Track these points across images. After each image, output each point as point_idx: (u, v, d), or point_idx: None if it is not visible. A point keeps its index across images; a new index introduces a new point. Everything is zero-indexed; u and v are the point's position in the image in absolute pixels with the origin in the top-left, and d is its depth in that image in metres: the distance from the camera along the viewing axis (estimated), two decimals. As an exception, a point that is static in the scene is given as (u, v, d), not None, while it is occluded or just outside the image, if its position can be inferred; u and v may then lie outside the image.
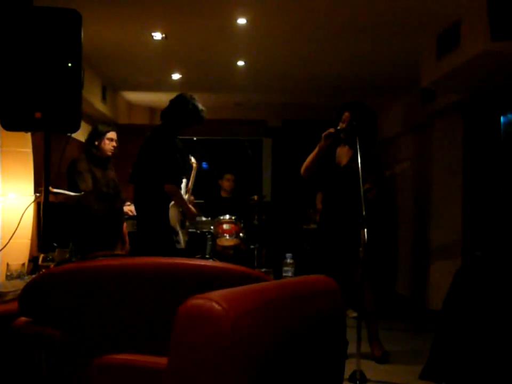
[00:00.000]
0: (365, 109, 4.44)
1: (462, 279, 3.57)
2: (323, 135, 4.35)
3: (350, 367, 3.55)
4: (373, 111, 4.55)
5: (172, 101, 4.52)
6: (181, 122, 4.45)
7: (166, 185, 4.28)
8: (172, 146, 4.36)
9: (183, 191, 4.58)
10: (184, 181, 4.63)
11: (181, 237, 4.45)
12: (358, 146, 3.96)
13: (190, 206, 4.56)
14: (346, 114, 4.38)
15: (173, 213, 4.40)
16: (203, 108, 4.50)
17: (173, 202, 4.38)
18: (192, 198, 4.91)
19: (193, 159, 4.91)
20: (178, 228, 4.42)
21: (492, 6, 3.91)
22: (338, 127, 4.36)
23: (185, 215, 4.53)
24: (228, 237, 6.36)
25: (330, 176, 4.49)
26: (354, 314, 5.12)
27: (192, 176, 4.86)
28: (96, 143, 4.89)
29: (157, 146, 4.38)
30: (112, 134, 4.95)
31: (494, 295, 3.36)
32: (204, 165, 9.08)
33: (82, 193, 4.45)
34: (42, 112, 3.05)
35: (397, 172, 4.87)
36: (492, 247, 4.80)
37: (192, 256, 5.71)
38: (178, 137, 4.49)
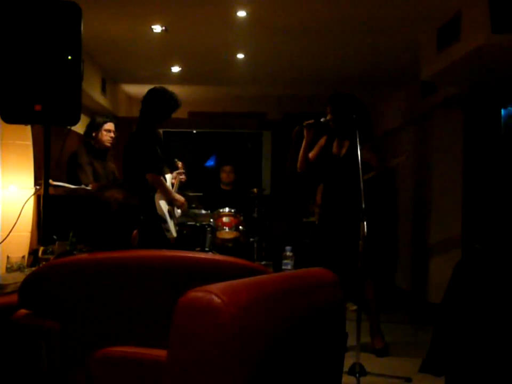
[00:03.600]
0: (347, 100, 4.41)
1: (461, 272, 3.57)
2: (303, 126, 4.39)
3: (349, 360, 3.56)
4: (361, 102, 4.46)
5: (147, 97, 4.50)
6: (162, 115, 4.46)
7: (147, 174, 4.30)
8: (150, 137, 4.38)
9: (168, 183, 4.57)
10: (168, 176, 4.60)
11: (171, 226, 4.43)
12: (357, 140, 3.95)
13: (176, 194, 4.55)
14: (328, 107, 4.41)
15: (160, 202, 4.38)
16: (176, 95, 4.52)
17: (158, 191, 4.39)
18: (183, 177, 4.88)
19: (180, 164, 4.88)
20: (167, 217, 4.40)
21: (492, -1, 3.90)
22: (321, 119, 4.38)
23: (172, 204, 4.52)
24: (227, 230, 6.37)
25: (329, 169, 4.49)
26: (355, 307, 5.12)
27: (175, 179, 4.77)
28: (94, 134, 4.89)
29: (136, 139, 4.42)
30: (109, 125, 4.95)
31: (493, 288, 3.36)
32: (211, 161, 9.07)
33: (82, 186, 4.46)
34: (42, 104, 3.06)
35: (392, 164, 4.87)
36: (491, 240, 4.80)
37: (191, 249, 5.72)
38: (164, 129, 4.50)
